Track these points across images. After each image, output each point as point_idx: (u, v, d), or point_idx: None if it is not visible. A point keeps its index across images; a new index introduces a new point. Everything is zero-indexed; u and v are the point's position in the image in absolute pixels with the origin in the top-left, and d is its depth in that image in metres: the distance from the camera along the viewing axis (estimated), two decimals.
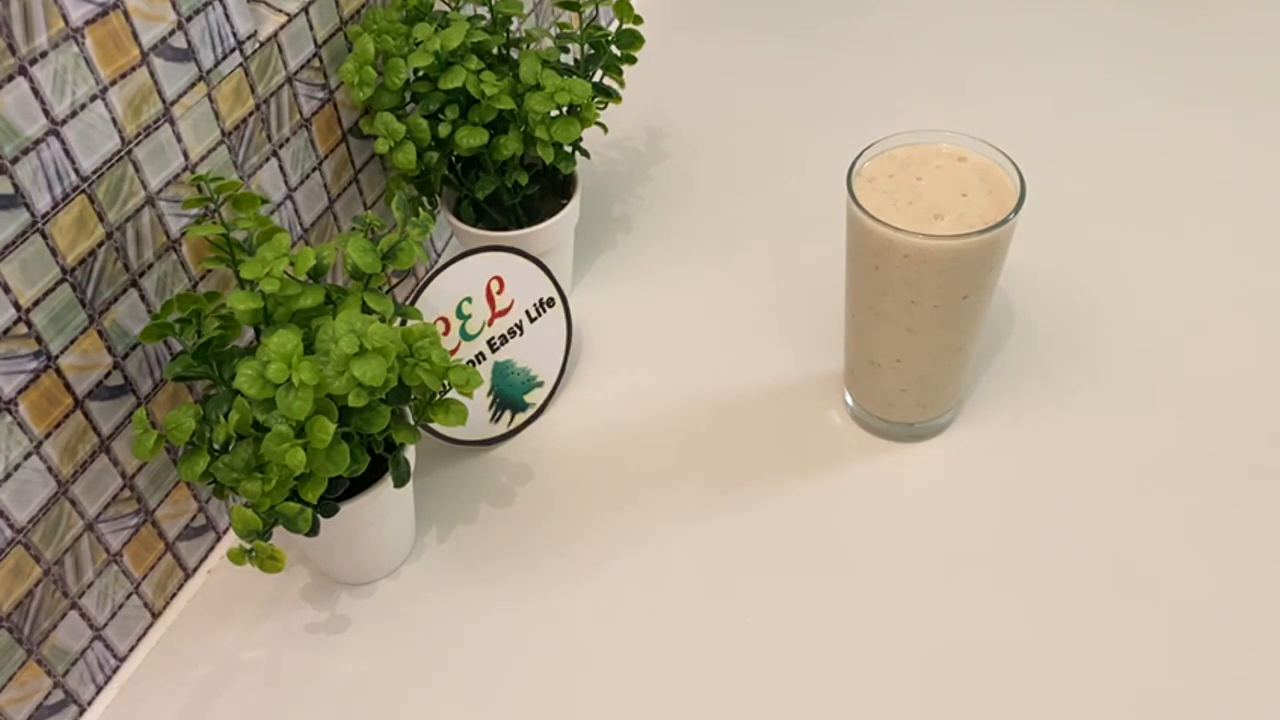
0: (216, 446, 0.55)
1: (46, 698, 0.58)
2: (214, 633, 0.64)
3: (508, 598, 0.64)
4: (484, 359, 0.69)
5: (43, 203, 0.51)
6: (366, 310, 0.58)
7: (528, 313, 0.71)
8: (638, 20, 0.75)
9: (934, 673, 0.58)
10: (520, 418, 0.72)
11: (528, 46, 0.73)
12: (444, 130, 0.69)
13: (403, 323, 0.60)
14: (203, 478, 0.55)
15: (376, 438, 0.59)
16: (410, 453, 0.61)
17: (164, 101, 0.56)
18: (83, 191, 0.53)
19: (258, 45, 0.62)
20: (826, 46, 1.01)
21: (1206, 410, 0.68)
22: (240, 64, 0.61)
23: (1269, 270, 0.76)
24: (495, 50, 0.73)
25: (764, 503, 0.66)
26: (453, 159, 0.74)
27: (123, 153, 0.55)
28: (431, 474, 0.70)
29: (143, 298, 0.58)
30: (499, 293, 0.69)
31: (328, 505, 0.57)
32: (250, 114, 0.63)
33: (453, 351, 0.68)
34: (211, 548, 0.67)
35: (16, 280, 0.51)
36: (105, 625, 0.60)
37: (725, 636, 0.61)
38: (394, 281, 0.80)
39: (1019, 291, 0.76)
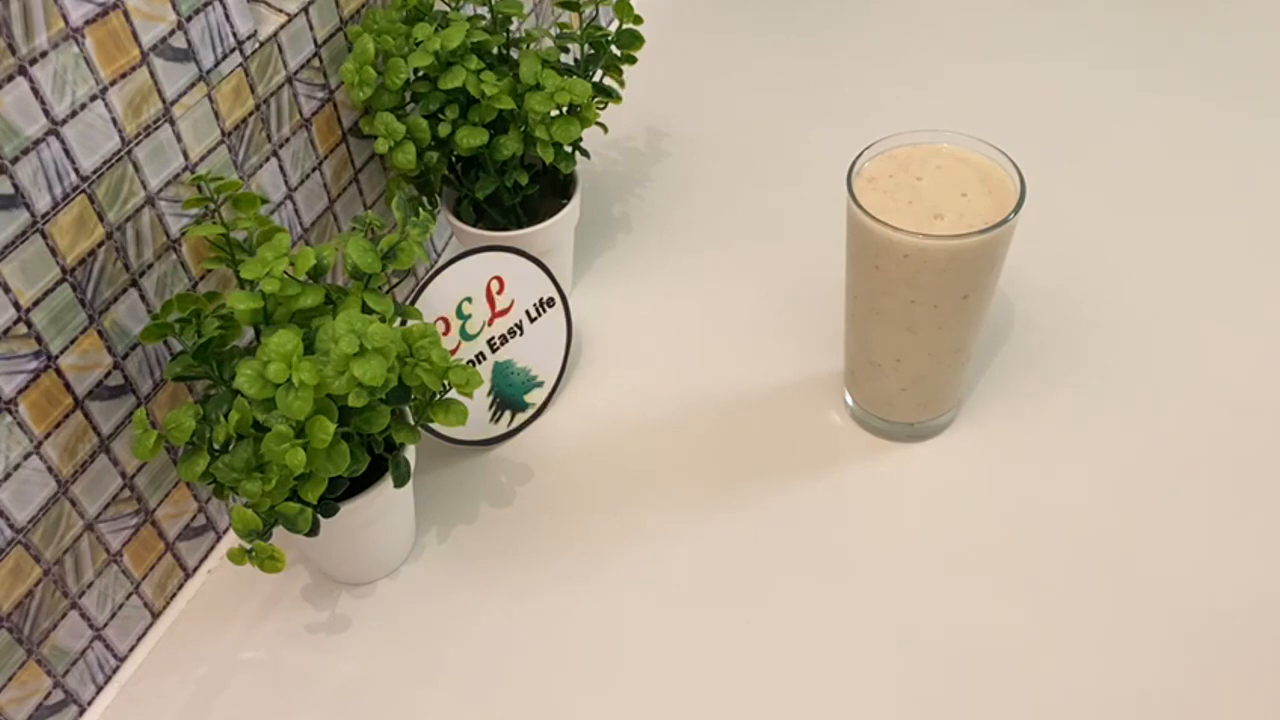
0: (216, 446, 0.55)
1: (46, 698, 0.58)
2: (214, 633, 0.64)
3: (508, 597, 0.64)
4: (484, 359, 0.69)
5: (43, 203, 0.51)
6: (366, 310, 0.58)
7: (528, 313, 0.71)
8: (638, 20, 0.75)
9: (934, 672, 0.58)
10: (520, 418, 0.72)
11: (528, 46, 0.73)
12: (444, 130, 0.69)
13: (403, 323, 0.60)
14: (203, 478, 0.55)
15: (376, 438, 0.59)
16: (410, 453, 0.61)
17: (164, 101, 0.56)
18: (83, 191, 0.53)
19: (258, 45, 0.62)
20: (826, 47, 1.01)
21: (1206, 409, 0.68)
22: (240, 64, 0.61)
23: (1270, 270, 0.76)
24: (495, 50, 0.73)
25: (764, 503, 0.66)
26: (453, 159, 0.74)
27: (123, 153, 0.55)
28: (431, 474, 0.70)
29: (143, 298, 0.58)
30: (499, 293, 0.69)
31: (328, 505, 0.57)
32: (250, 114, 0.63)
33: (453, 351, 0.68)
34: (211, 548, 0.67)
35: (16, 280, 0.51)
36: (105, 625, 0.60)
37: (724, 636, 0.61)
38: (394, 281, 0.80)
39: (1019, 291, 0.76)
